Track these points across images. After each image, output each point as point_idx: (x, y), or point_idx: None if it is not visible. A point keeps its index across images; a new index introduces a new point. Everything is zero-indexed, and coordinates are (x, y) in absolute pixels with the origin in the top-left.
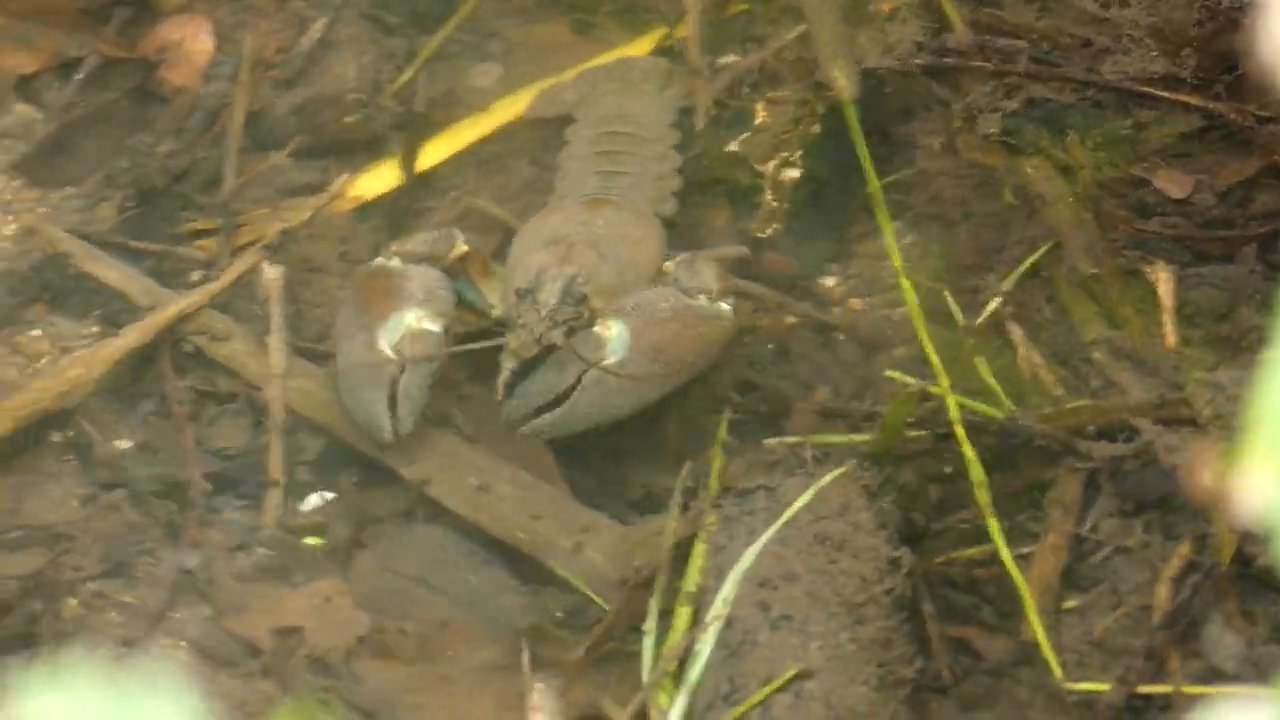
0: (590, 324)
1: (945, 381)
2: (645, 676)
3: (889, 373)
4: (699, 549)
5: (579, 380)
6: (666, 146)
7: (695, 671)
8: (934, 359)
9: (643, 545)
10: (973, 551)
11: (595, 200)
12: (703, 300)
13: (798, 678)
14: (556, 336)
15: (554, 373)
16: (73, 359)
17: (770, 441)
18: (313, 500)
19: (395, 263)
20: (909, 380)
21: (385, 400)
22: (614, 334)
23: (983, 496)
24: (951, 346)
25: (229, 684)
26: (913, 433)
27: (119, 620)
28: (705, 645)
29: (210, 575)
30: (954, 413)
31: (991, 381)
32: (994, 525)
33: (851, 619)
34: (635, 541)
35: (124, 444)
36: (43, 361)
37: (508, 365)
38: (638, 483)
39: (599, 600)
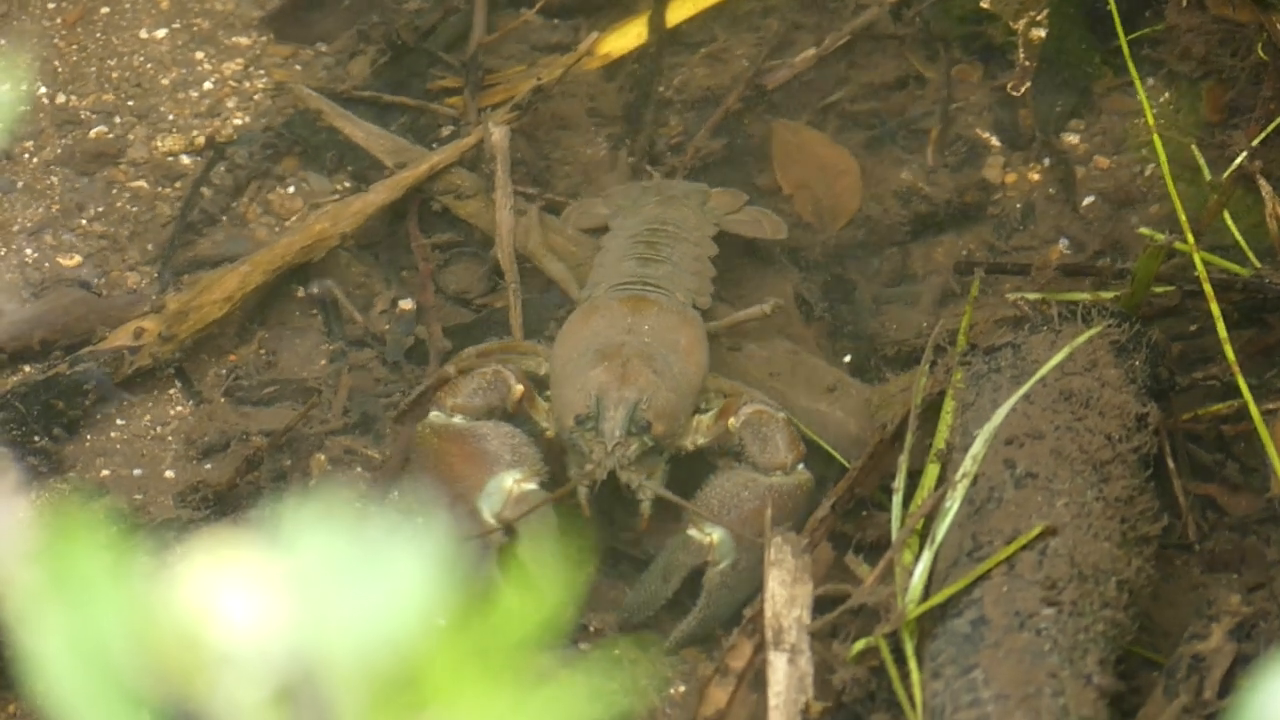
0: (656, 451)
1: (1191, 238)
2: (893, 534)
3: (1141, 230)
4: (948, 405)
5: (703, 588)
6: (703, 250)
7: (942, 529)
8: (1182, 216)
9: (887, 404)
10: (1219, 408)
11: (636, 299)
12: (779, 476)
13: (1042, 535)
14: (630, 476)
15: (658, 581)
16: (319, 214)
17: (1012, 296)
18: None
19: (458, 420)
20: (1159, 236)
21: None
22: (717, 540)
23: (1230, 353)
24: (1200, 203)
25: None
26: (1160, 289)
27: (365, 474)
28: (954, 503)
29: None
30: (1200, 270)
31: (1240, 238)
32: (1242, 381)
33: (1097, 476)
34: (879, 400)
35: (376, 299)
36: (294, 218)
37: (584, 493)
38: (891, 340)
39: (840, 458)
